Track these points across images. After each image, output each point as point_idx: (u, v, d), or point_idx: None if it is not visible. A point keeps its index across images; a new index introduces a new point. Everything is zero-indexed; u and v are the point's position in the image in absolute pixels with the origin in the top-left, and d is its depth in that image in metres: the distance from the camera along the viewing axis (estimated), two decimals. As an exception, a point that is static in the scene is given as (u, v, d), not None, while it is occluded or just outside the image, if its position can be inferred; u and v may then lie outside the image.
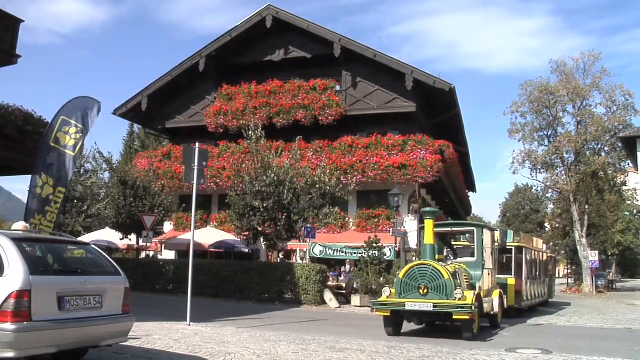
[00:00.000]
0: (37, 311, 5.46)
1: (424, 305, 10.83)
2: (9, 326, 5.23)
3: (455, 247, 15.29)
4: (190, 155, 12.05)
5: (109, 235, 26.32)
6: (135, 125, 49.87)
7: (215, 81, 30.43)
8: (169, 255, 27.80)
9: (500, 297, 13.65)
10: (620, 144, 32.67)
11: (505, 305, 14.60)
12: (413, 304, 10.94)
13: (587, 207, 35.63)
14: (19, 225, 8.49)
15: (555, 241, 47.24)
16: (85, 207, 29.60)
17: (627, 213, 49.31)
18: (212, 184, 27.38)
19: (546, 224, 59.88)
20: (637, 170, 29.87)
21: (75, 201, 28.80)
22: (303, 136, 23.91)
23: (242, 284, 19.95)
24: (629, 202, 45.26)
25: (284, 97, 28.28)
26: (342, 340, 9.78)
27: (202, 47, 29.63)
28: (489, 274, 13.20)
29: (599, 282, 36.55)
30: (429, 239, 11.86)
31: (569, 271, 51.55)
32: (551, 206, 49.03)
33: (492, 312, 12.92)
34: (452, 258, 13.61)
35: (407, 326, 12.33)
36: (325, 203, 20.60)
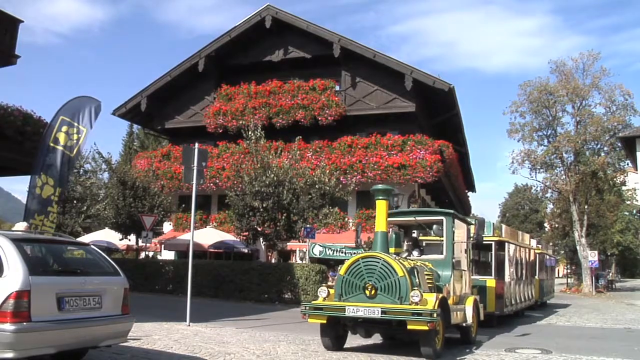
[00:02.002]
0: (37, 312, 5.45)
1: (370, 310, 8.17)
2: (8, 327, 5.23)
3: (423, 242, 12.28)
4: (189, 155, 12.05)
5: (109, 235, 26.31)
6: (135, 126, 49.88)
7: (215, 81, 30.43)
8: (168, 255, 27.79)
9: (476, 305, 10.75)
10: (619, 144, 32.70)
11: (482, 317, 11.45)
12: (355, 309, 8.25)
13: (586, 207, 35.69)
14: (21, 226, 8.50)
15: (555, 241, 47.31)
16: (85, 207, 29.52)
17: (627, 213, 49.38)
18: (212, 184, 27.38)
19: (545, 224, 59.96)
20: (637, 170, 29.85)
21: (75, 201, 28.75)
22: (302, 136, 23.90)
23: (242, 284, 19.94)
24: (628, 202, 45.35)
25: (283, 97, 28.28)
26: (342, 341, 9.74)
27: (201, 48, 29.66)
28: (461, 276, 10.65)
29: (599, 282, 36.64)
30: (380, 224, 9.23)
31: (569, 271, 51.64)
32: (550, 206, 49.10)
33: (464, 324, 10.12)
34: (414, 254, 10.76)
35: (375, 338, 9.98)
36: (324, 203, 20.60)
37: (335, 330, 8.94)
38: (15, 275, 5.45)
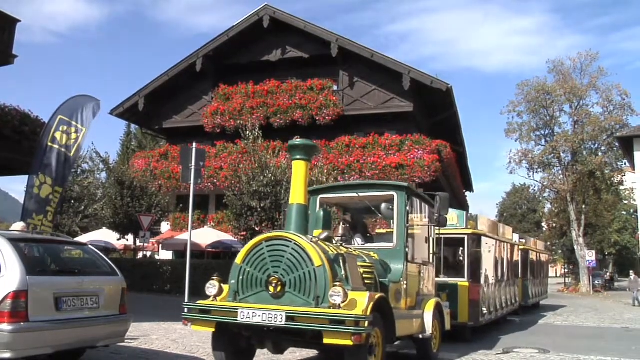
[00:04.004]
0: (34, 312, 5.45)
1: (271, 314, 5.81)
2: (6, 327, 5.22)
3: (372, 227, 9.69)
4: (187, 155, 12.05)
5: (106, 235, 26.29)
6: (133, 126, 49.83)
7: (213, 81, 30.40)
8: (166, 255, 27.76)
9: (438, 310, 8.57)
10: (616, 144, 32.82)
11: (448, 326, 9.08)
12: (251, 313, 5.92)
13: (584, 206, 35.79)
14: (18, 226, 8.49)
15: (553, 241, 47.41)
16: (82, 207, 29.49)
17: (624, 212, 49.53)
18: (210, 184, 27.35)
19: (543, 224, 60.09)
20: (634, 169, 29.93)
21: (72, 201, 28.73)
22: (300, 136, 23.77)
23: (240, 284, 19.92)
24: (625, 202, 45.45)
25: (281, 97, 28.27)
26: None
27: (199, 47, 29.62)
28: (419, 272, 8.34)
29: (596, 282, 36.76)
30: (297, 194, 6.81)
31: (566, 270, 51.77)
32: (548, 206, 49.27)
33: (421, 336, 7.93)
34: (358, 242, 8.46)
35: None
36: (322, 203, 20.58)
37: (233, 343, 6.59)
38: (13, 275, 5.44)
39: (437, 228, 9.03)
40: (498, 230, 14.94)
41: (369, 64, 27.04)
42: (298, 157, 6.94)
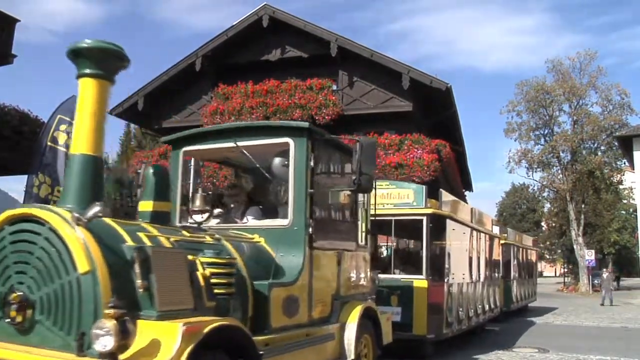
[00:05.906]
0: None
1: None
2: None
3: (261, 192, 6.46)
4: (187, 154, 12.03)
5: (106, 235, 26.28)
6: (132, 125, 49.84)
7: (212, 81, 30.39)
8: (165, 255, 27.73)
9: (369, 317, 5.91)
10: (616, 143, 32.87)
11: (388, 338, 6.42)
12: None
13: (583, 206, 35.85)
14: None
15: (552, 240, 47.48)
16: (82, 207, 29.59)
17: (623, 212, 49.58)
18: (209, 184, 27.36)
19: (543, 223, 60.15)
20: (633, 169, 29.96)
21: (72, 201, 28.83)
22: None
23: (239, 284, 19.88)
24: (625, 201, 45.51)
25: (280, 96, 28.28)
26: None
27: (198, 47, 29.66)
28: (336, 262, 5.64)
29: (595, 281, 36.83)
30: (81, 139, 4.14)
31: (566, 270, 51.83)
32: (548, 205, 49.35)
33: None
34: (248, 219, 5.82)
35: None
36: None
37: None
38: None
39: (360, 193, 6.11)
40: (473, 216, 11.94)
41: (368, 64, 27.04)
42: (87, 71, 3.98)
